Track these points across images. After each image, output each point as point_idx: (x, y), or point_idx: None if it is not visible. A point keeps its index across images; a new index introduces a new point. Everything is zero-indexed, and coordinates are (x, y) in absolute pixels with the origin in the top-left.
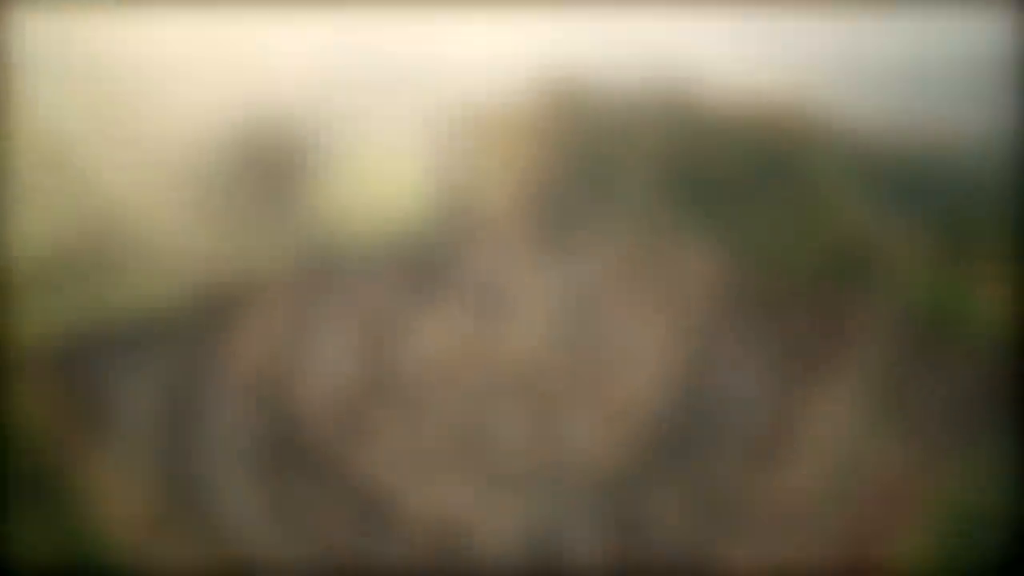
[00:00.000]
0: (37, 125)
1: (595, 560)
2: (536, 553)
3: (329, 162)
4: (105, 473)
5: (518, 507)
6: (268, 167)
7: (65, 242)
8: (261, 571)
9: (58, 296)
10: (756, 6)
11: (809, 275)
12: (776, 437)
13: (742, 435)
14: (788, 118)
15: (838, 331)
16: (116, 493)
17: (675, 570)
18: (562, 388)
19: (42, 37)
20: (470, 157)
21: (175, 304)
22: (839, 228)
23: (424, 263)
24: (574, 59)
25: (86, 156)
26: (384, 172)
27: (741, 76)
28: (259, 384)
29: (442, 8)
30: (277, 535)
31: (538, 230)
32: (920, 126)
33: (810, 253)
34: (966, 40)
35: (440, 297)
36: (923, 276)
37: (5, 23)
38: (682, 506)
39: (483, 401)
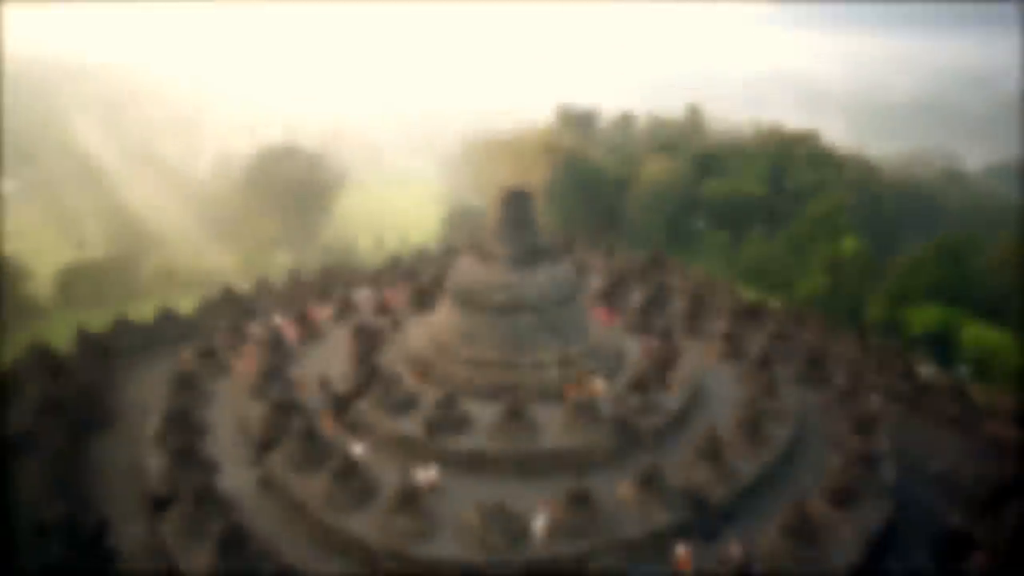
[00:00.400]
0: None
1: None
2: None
3: (346, 185)
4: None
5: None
6: (285, 191)
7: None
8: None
9: (85, 306)
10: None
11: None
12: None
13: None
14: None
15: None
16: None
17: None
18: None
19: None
20: (477, 180)
21: (191, 309)
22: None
23: (423, 271)
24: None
25: (117, 178)
26: (397, 195)
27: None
28: (259, 376)
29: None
30: (268, 504)
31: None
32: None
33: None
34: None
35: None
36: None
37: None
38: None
39: (462, 392)
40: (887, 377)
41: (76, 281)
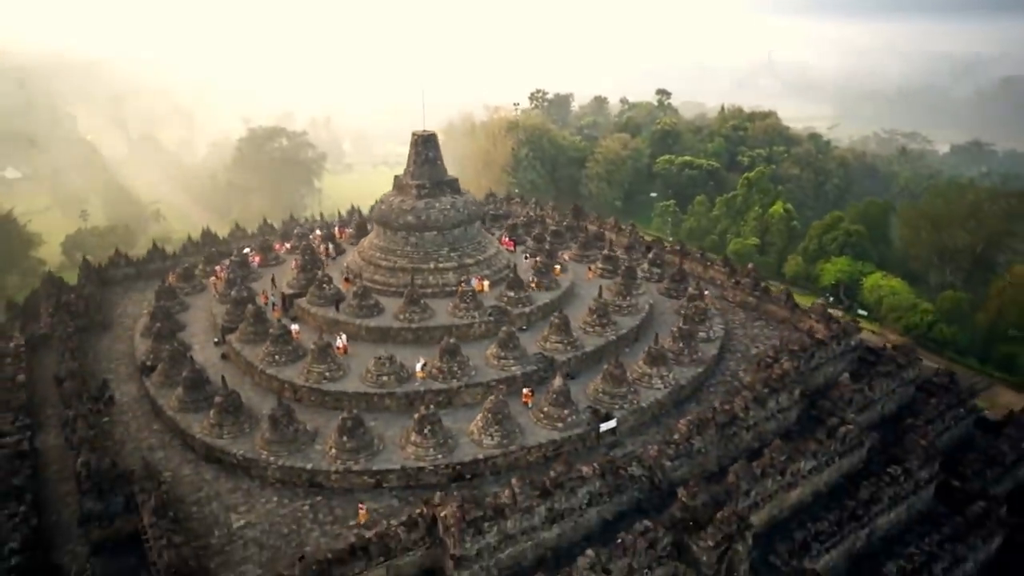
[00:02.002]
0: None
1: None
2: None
3: (336, 168)
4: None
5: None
6: (271, 167)
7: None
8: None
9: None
10: None
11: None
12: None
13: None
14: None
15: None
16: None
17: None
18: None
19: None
20: (454, 159)
21: (174, 251)
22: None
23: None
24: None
25: (119, 163)
26: (384, 177)
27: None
28: (226, 284)
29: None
30: (227, 369)
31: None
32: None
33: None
34: None
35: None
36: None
37: None
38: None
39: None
40: (742, 292)
41: (80, 247)
